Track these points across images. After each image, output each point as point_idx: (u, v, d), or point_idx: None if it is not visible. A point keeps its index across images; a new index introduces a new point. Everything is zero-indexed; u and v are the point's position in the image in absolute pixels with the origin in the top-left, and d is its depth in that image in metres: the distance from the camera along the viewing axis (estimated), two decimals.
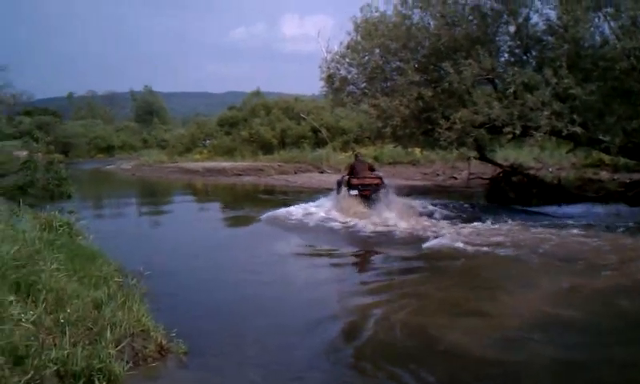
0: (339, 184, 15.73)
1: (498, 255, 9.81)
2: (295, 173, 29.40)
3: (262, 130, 37.28)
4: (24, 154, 14.19)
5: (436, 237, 11.40)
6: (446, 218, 13.78)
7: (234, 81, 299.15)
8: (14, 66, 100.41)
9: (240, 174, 30.03)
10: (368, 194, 14.73)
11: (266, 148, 36.42)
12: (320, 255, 11.15)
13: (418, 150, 25.83)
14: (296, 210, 15.03)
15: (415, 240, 11.38)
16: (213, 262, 10.27)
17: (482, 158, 17.65)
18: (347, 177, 15.57)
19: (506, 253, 9.92)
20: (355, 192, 14.83)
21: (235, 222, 16.66)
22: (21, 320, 3.85)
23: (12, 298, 4.02)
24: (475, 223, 12.71)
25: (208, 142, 42.28)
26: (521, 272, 8.85)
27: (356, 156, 17.21)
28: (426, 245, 10.72)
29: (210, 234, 14.28)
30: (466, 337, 5.79)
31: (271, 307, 7.44)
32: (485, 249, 10.20)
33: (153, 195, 25.35)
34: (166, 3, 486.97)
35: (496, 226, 12.32)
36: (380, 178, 15.49)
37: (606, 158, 19.17)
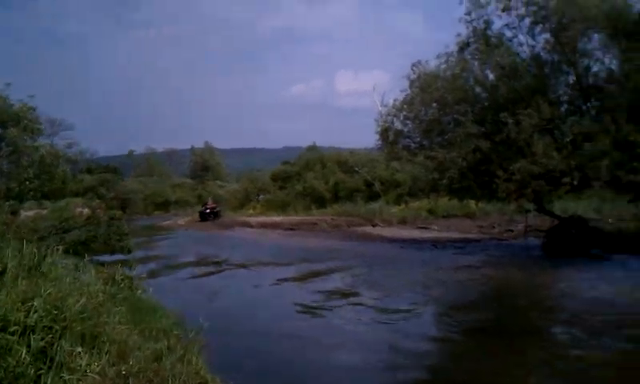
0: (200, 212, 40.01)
1: None
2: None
3: (316, 183, 37.74)
4: (85, 210, 14.65)
5: None
6: None
7: (290, 136, 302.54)
8: (79, 124, 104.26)
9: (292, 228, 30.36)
10: (210, 214, 38.70)
11: (320, 201, 36.71)
12: None
13: (473, 203, 25.63)
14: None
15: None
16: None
17: (540, 209, 17.37)
18: (202, 207, 40.21)
19: None
20: (205, 213, 39.10)
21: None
22: (87, 371, 3.98)
23: (79, 349, 4.15)
24: None
25: (262, 197, 42.83)
26: None
27: (209, 199, 44.09)
28: None
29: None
30: None
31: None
32: None
33: (205, 249, 25.25)
34: (226, 66, 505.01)
35: None
36: (216, 207, 40.47)
37: None
